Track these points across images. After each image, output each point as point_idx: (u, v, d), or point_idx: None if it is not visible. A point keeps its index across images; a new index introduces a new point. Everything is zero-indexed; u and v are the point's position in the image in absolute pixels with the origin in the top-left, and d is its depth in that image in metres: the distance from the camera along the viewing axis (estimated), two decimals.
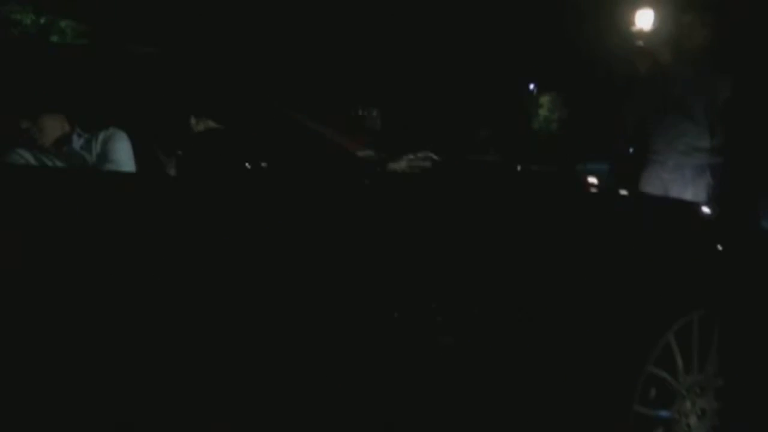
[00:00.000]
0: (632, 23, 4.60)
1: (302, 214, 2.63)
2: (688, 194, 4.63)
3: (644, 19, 4.56)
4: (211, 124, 3.51)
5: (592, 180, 4.52)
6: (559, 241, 2.60)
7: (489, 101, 12.04)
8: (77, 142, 3.40)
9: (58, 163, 3.32)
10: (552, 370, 2.51)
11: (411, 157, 3.12)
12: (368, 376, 2.56)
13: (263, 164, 2.72)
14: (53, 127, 3.40)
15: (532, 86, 13.71)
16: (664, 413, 2.68)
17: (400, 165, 3.03)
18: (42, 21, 12.74)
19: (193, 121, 3.48)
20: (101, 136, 3.40)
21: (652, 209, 2.98)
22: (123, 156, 3.38)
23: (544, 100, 13.67)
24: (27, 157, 3.27)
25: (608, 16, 4.89)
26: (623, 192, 3.60)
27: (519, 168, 3.93)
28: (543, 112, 13.72)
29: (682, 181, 4.69)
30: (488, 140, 11.13)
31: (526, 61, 11.62)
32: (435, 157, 3.24)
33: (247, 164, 2.73)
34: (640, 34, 4.63)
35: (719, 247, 2.90)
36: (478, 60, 11.17)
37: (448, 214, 2.68)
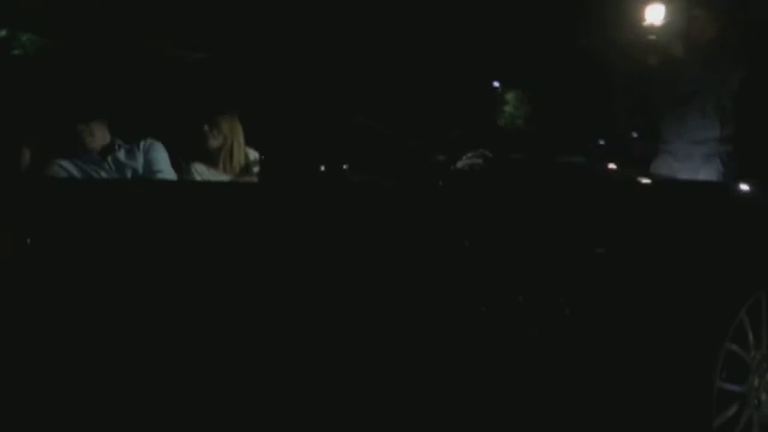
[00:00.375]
0: (643, 18, 4.79)
1: (388, 217, 2.71)
2: None
3: (655, 14, 4.75)
4: (227, 130, 3.56)
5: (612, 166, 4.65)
6: (638, 231, 2.72)
7: (458, 101, 12.15)
8: (119, 152, 3.35)
9: (103, 174, 3.26)
10: (640, 354, 2.63)
11: (469, 155, 3.21)
12: (463, 368, 2.65)
13: (345, 167, 2.80)
14: (102, 133, 3.35)
15: (497, 84, 13.83)
16: (738, 388, 2.82)
17: (463, 164, 3.12)
18: (2, 34, 12.55)
19: (206, 128, 3.52)
20: (142, 145, 3.36)
21: (715, 195, 3.12)
22: (167, 166, 3.38)
23: (509, 96, 13.81)
24: (69, 168, 3.21)
25: (616, 12, 5.06)
26: (685, 180, 3.74)
27: (572, 163, 4.05)
28: (508, 108, 13.86)
29: (692, 169, 4.86)
30: (461, 140, 11.24)
31: (496, 58, 11.75)
32: (488, 154, 3.33)
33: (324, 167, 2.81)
34: (652, 29, 4.82)
35: None
36: (447, 59, 11.27)
37: (522, 210, 2.79)
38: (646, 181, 3.25)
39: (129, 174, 3.30)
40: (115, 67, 3.31)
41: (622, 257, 2.65)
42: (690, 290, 2.66)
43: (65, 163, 3.23)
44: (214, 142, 3.49)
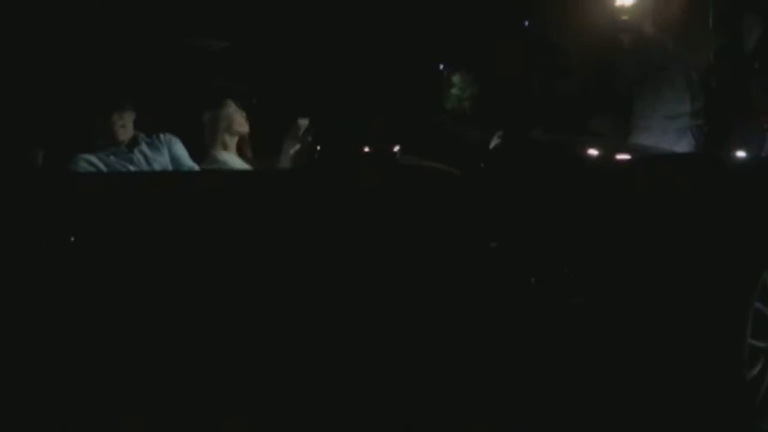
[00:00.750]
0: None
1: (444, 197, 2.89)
2: None
3: None
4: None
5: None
6: (669, 204, 2.93)
7: (403, 85, 12.24)
8: (143, 145, 3.34)
9: (132, 168, 3.26)
10: (679, 315, 2.85)
11: (498, 134, 3.38)
12: (515, 334, 2.85)
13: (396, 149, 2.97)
14: (131, 125, 3.34)
15: (441, 66, 13.93)
16: (763, 344, 3.05)
17: (493, 144, 3.29)
18: None
19: (240, 111, 3.56)
20: (163, 139, 3.37)
21: (727, 165, 3.36)
22: (190, 160, 3.43)
23: (455, 79, 13.93)
24: (96, 163, 3.19)
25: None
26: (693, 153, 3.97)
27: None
28: (454, 91, 13.98)
29: (668, 144, 5.10)
30: None
31: (442, 41, 11.88)
32: (504, 133, 3.50)
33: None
34: (623, 9, 5.06)
35: None
36: (390, 42, 11.31)
37: (562, 185, 2.99)
38: (663, 155, 3.46)
39: (157, 168, 3.31)
40: (146, 58, 3.37)
41: (660, 228, 2.86)
42: (722, 255, 2.88)
43: (91, 158, 3.18)
44: (243, 129, 3.57)
